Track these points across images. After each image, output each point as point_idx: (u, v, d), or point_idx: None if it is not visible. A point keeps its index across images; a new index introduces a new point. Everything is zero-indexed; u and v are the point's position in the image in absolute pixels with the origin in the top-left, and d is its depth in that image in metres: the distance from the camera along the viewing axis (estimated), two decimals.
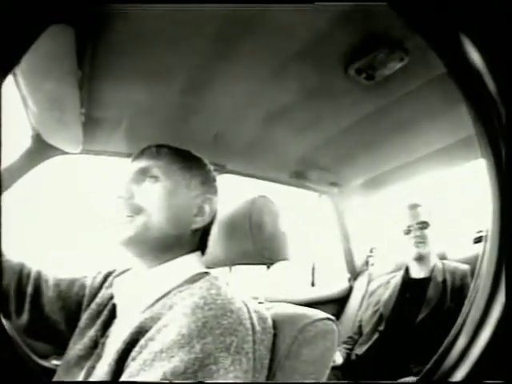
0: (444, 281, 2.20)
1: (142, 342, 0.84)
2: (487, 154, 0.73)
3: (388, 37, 1.30)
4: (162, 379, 0.75)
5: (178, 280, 0.98)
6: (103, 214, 1.07)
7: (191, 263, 1.04)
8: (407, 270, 2.40)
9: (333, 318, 1.13)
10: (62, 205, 2.15)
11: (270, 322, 1.06)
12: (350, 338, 2.41)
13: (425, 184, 2.68)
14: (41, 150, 1.59)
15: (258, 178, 2.19)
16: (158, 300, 0.95)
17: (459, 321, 0.80)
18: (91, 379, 0.92)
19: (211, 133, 1.73)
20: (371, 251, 2.96)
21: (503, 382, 0.68)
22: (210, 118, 1.68)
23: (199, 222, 1.05)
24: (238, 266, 1.25)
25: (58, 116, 1.37)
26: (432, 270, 2.27)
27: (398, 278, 2.43)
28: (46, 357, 1.70)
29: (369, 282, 2.75)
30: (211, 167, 1.15)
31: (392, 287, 2.40)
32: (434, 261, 2.31)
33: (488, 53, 0.68)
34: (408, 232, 2.30)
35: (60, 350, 1.13)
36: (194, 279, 0.98)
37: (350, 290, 2.86)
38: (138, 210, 0.99)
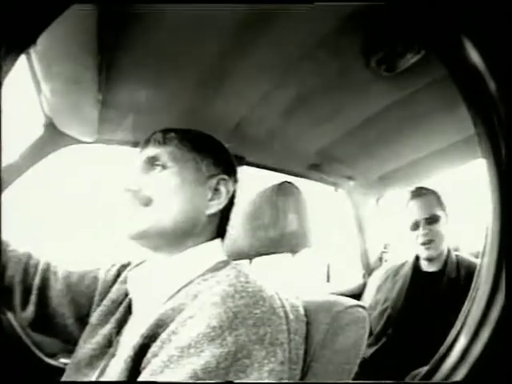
0: (458, 277, 1.97)
1: (163, 335, 0.78)
2: (487, 154, 0.74)
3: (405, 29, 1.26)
4: (191, 377, 0.68)
5: (200, 269, 0.92)
6: (114, 206, 1.01)
7: (212, 251, 0.98)
8: (417, 261, 2.17)
9: (364, 305, 1.09)
10: (73, 195, 2.12)
11: (302, 310, 1.02)
12: None
13: (441, 180, 2.59)
14: (54, 138, 1.54)
15: (275, 170, 2.14)
16: (179, 290, 0.89)
17: (459, 321, 0.81)
18: (104, 379, 0.87)
19: (232, 123, 1.69)
20: (385, 247, 2.90)
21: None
22: (231, 108, 1.64)
23: (215, 206, 0.99)
24: (259, 259, 1.19)
25: (74, 101, 1.32)
26: (445, 264, 2.04)
27: (407, 268, 2.19)
28: (53, 355, 1.63)
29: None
30: (226, 146, 1.09)
31: (401, 282, 2.17)
32: (446, 253, 2.06)
33: (488, 54, 0.67)
34: (415, 228, 2.08)
35: (67, 345, 1.09)
36: (217, 267, 0.92)
37: (364, 286, 2.80)
38: (147, 202, 0.93)
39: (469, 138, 1.99)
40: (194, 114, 1.59)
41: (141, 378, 0.75)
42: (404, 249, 2.73)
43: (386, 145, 2.17)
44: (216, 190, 1.00)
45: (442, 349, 0.81)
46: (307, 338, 0.99)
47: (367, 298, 2.68)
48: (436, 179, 2.58)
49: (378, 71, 1.46)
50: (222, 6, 1.10)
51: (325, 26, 1.23)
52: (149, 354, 0.77)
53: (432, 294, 2.02)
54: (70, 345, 1.07)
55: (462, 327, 0.77)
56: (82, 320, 1.07)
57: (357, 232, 2.81)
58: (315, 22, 1.21)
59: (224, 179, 1.01)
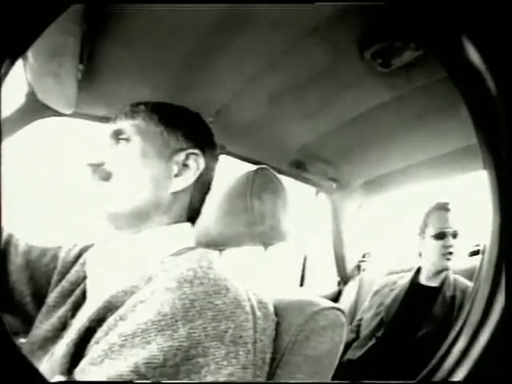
0: (453, 297, 2.02)
1: (110, 320, 0.70)
2: (487, 157, 0.70)
3: (405, 25, 1.22)
4: (132, 371, 0.59)
5: (162, 253, 0.85)
6: (78, 182, 0.96)
7: (178, 235, 0.91)
8: (417, 274, 2.22)
9: (342, 308, 0.98)
10: (45, 168, 2.09)
11: (271, 308, 0.88)
12: None
13: (430, 190, 2.60)
14: (33, 108, 1.49)
15: (256, 163, 2.05)
16: (133, 273, 0.81)
17: (459, 321, 0.76)
18: (50, 363, 0.78)
19: (212, 110, 1.64)
20: (364, 256, 2.88)
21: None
22: (212, 94, 1.60)
23: (180, 183, 0.91)
24: (229, 250, 1.12)
25: (55, 69, 1.28)
26: (443, 282, 2.10)
27: (405, 280, 2.25)
28: (16, 334, 1.57)
29: (360, 288, 2.66)
30: (205, 120, 1.03)
31: (398, 290, 2.22)
32: (446, 272, 2.13)
33: (488, 54, 0.65)
34: (441, 237, 2.10)
35: (26, 325, 1.03)
36: (180, 252, 0.85)
37: (338, 295, 2.78)
38: (106, 177, 0.88)
39: (465, 148, 1.99)
40: (174, 97, 1.53)
41: (80, 367, 0.67)
42: (385, 259, 2.74)
43: (375, 147, 2.15)
44: (184, 166, 0.93)
45: (442, 349, 0.77)
46: (275, 340, 0.86)
47: (342, 307, 2.66)
48: (425, 189, 2.59)
49: (373, 65, 1.42)
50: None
51: (318, 14, 1.20)
52: (93, 340, 0.70)
53: (426, 307, 2.05)
54: (28, 325, 1.00)
55: (462, 327, 0.74)
56: (40, 299, 1.00)
57: (335, 238, 2.78)
58: (311, 8, 1.17)
59: (195, 153, 0.94)
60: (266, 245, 1.06)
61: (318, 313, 0.93)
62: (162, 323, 0.63)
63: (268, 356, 0.82)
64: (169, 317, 0.64)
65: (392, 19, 1.22)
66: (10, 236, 1.08)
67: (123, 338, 0.63)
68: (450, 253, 2.08)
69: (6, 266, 1.04)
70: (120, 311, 0.70)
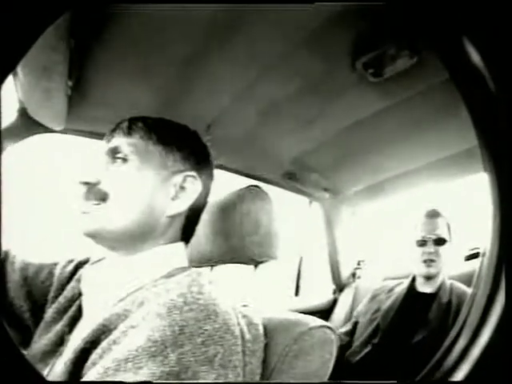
0: (449, 302, 2.03)
1: (104, 343, 0.71)
2: (487, 158, 0.72)
3: (398, 32, 1.25)
4: None
5: (155, 273, 0.85)
6: (73, 200, 0.92)
7: (171, 255, 0.90)
8: (413, 281, 2.22)
9: (331, 326, 0.99)
10: (36, 185, 2.08)
11: (261, 329, 0.91)
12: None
13: (423, 196, 2.61)
14: (24, 124, 1.49)
15: (249, 176, 2.08)
16: (128, 295, 0.81)
17: (459, 321, 0.79)
18: (50, 378, 0.80)
19: (203, 123, 1.63)
20: (359, 264, 2.88)
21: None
22: (203, 107, 1.59)
23: (177, 207, 0.90)
24: (221, 267, 1.11)
25: (45, 85, 1.28)
26: (439, 288, 2.11)
27: (402, 286, 2.26)
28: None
29: (355, 295, 2.66)
30: (203, 140, 1.02)
31: (395, 296, 2.23)
32: (442, 277, 2.14)
33: (489, 55, 0.66)
34: (422, 244, 2.12)
35: (27, 339, 1.03)
36: (173, 274, 0.84)
37: (334, 303, 2.78)
38: (103, 198, 0.86)
39: (460, 153, 2.01)
40: (165, 111, 1.52)
41: None
42: (380, 266, 2.74)
43: (368, 156, 2.15)
44: (181, 188, 0.91)
45: (442, 349, 0.79)
46: (264, 361, 0.88)
47: (338, 315, 2.67)
48: (419, 195, 2.60)
49: (364, 75, 1.42)
50: (197, 6, 1.08)
51: (308, 24, 1.20)
52: (89, 362, 0.71)
53: (422, 313, 2.06)
54: (27, 336, 1.01)
55: (461, 327, 0.76)
56: (39, 315, 1.00)
57: (329, 246, 2.78)
58: (300, 20, 1.17)
59: (192, 176, 0.92)
60: (256, 263, 1.06)
61: (307, 332, 0.94)
62: (153, 349, 0.64)
63: (257, 378, 0.84)
64: (159, 343, 0.65)
65: (385, 27, 1.23)
66: (7, 253, 1.08)
67: (117, 363, 0.64)
68: (431, 260, 2.10)
69: (4, 283, 1.05)
70: (113, 335, 0.71)
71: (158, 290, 0.78)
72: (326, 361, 0.94)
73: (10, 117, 1.47)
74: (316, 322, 0.97)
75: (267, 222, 1.05)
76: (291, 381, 0.89)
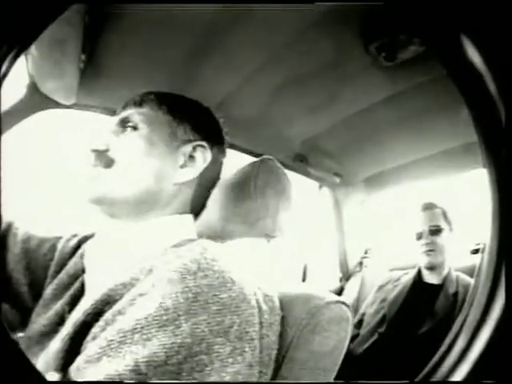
0: (456, 294, 2.03)
1: (107, 314, 0.66)
2: (487, 155, 0.71)
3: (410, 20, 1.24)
4: (131, 370, 0.56)
5: (163, 244, 0.82)
6: (82, 168, 0.92)
7: (179, 226, 0.88)
8: (420, 271, 2.23)
9: (347, 302, 0.95)
10: (46, 159, 2.08)
11: (277, 301, 0.86)
12: None
13: (433, 186, 2.60)
14: (34, 99, 1.48)
15: (259, 156, 2.04)
16: (134, 264, 0.77)
17: (459, 321, 0.76)
18: (45, 359, 0.74)
19: (214, 102, 1.62)
20: (366, 252, 2.87)
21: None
22: (214, 85, 1.58)
23: (185, 175, 0.89)
24: (231, 243, 1.09)
25: (57, 58, 1.27)
26: (445, 279, 2.12)
27: (409, 276, 2.26)
28: (14, 329, 1.54)
29: (362, 284, 2.66)
30: (214, 113, 1.00)
31: (401, 286, 2.24)
32: (447, 269, 2.14)
33: (488, 53, 0.65)
34: (419, 237, 2.16)
35: (24, 315, 1.00)
36: (181, 243, 0.81)
37: (340, 291, 2.76)
38: (109, 164, 0.85)
39: (466, 146, 1.98)
40: (176, 89, 1.51)
41: (75, 364, 0.64)
42: (388, 255, 2.73)
43: (379, 142, 2.14)
44: (191, 157, 0.90)
45: (442, 349, 0.77)
46: (281, 335, 0.83)
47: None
48: (426, 186, 2.60)
49: (377, 59, 1.41)
50: None
51: (323, 5, 1.18)
52: (89, 336, 0.66)
53: (428, 304, 2.06)
54: (25, 315, 0.98)
55: (461, 327, 0.74)
56: (37, 290, 0.98)
57: (337, 233, 2.77)
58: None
59: (202, 146, 0.91)
60: (268, 237, 1.05)
61: (324, 306, 0.90)
62: (164, 318, 0.60)
63: (274, 352, 0.79)
64: (171, 311, 0.61)
65: (397, 13, 1.21)
66: (10, 224, 1.06)
67: (122, 335, 0.60)
68: (430, 250, 2.13)
69: (4, 254, 1.02)
70: (118, 305, 0.67)
71: (169, 257, 0.74)
72: (341, 339, 0.91)
73: (19, 92, 1.46)
74: (332, 297, 0.94)
75: (281, 196, 1.04)
76: (308, 357, 0.86)
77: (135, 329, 0.60)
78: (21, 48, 0.66)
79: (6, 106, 1.44)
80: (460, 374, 0.70)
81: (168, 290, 0.63)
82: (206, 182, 0.96)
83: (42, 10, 0.63)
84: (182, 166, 0.90)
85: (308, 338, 0.87)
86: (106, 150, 0.87)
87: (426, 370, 0.78)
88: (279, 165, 1.09)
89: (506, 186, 0.68)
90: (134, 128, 0.89)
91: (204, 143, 0.92)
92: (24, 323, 0.97)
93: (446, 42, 0.69)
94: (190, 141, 0.92)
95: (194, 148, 0.91)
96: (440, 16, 0.66)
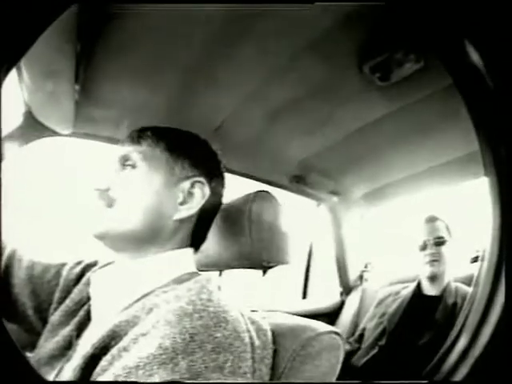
0: (455, 304, 2.05)
1: (114, 350, 0.70)
2: (487, 155, 0.73)
3: (405, 37, 1.24)
4: None
5: (164, 278, 0.85)
6: (84, 203, 0.96)
7: (180, 260, 0.90)
8: (419, 284, 2.25)
9: (339, 331, 0.99)
10: (45, 188, 2.09)
11: (269, 335, 0.91)
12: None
13: (429, 199, 2.61)
14: (31, 128, 1.48)
15: (256, 179, 2.08)
16: (137, 300, 0.82)
17: (459, 321, 0.79)
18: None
19: (211, 127, 1.64)
20: (366, 266, 2.87)
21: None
22: (211, 111, 1.59)
23: (185, 211, 0.91)
24: (229, 271, 1.11)
25: (51, 89, 1.28)
26: (444, 290, 2.14)
27: (408, 290, 2.29)
28: (23, 348, 1.54)
29: (362, 298, 2.67)
30: (213, 147, 1.02)
31: (401, 299, 2.26)
32: (447, 280, 2.17)
33: (490, 57, 0.66)
34: (424, 248, 2.17)
35: (30, 335, 1.05)
36: (182, 279, 0.84)
37: (341, 305, 2.77)
38: (110, 203, 0.87)
39: (462, 157, 2.00)
40: (174, 114, 1.55)
41: None
42: (387, 269, 2.73)
43: (375, 160, 2.16)
44: (190, 194, 0.92)
45: (442, 349, 0.80)
46: (273, 367, 0.88)
47: (345, 317, 2.66)
48: (424, 198, 2.61)
49: (372, 79, 1.42)
50: (206, 6, 1.08)
51: (317, 27, 1.19)
52: (99, 368, 0.70)
53: (428, 315, 2.08)
54: (32, 335, 1.03)
55: (462, 327, 0.77)
56: (42, 314, 1.03)
57: (337, 249, 2.77)
58: (307, 22, 1.17)
59: (200, 182, 0.93)
60: (265, 268, 1.05)
61: (315, 338, 0.94)
62: (164, 357, 0.64)
63: None
64: (170, 351, 0.65)
65: (391, 30, 1.22)
66: (14, 251, 1.10)
67: (127, 370, 0.64)
68: (434, 260, 2.15)
69: (9, 279, 1.06)
70: (124, 342, 0.71)
71: (168, 296, 0.78)
72: (332, 365, 0.94)
73: (16, 120, 1.46)
74: (324, 327, 0.97)
75: (276, 226, 1.05)
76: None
77: (138, 366, 0.64)
78: (11, 63, 0.68)
79: (3, 134, 1.44)
80: (460, 373, 0.73)
81: (167, 331, 0.67)
82: (206, 215, 0.97)
83: (30, 24, 0.65)
84: (181, 203, 0.91)
85: (299, 368, 0.90)
86: (108, 189, 0.89)
87: (427, 370, 0.82)
88: (273, 197, 1.08)
89: (507, 191, 0.69)
90: (133, 166, 0.90)
91: (202, 179, 0.93)
92: (31, 345, 1.00)
93: (449, 47, 0.71)
94: (188, 177, 0.93)
95: (193, 184, 0.93)
96: (442, 19, 0.68)
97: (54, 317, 0.97)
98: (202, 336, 0.68)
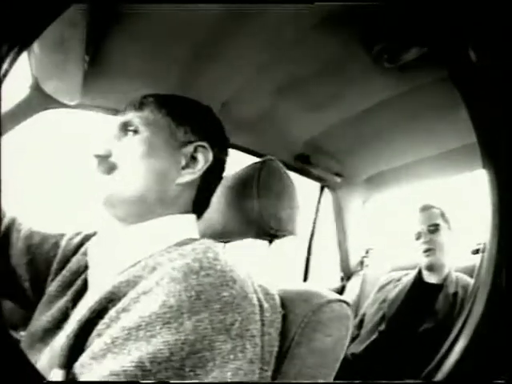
0: (455, 294, 2.04)
1: (112, 312, 0.67)
2: (486, 156, 0.72)
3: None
4: (136, 367, 0.57)
5: (164, 242, 0.83)
6: (84, 171, 0.94)
7: (181, 225, 0.89)
8: (420, 271, 2.23)
9: (348, 300, 0.95)
10: (50, 158, 2.09)
11: (278, 299, 0.86)
12: None
13: (434, 186, 2.60)
14: (37, 99, 1.49)
15: (260, 156, 2.04)
16: (138, 262, 0.79)
17: (459, 321, 0.76)
18: (49, 356, 0.78)
19: (217, 102, 1.62)
20: (367, 252, 2.87)
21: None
22: (218, 85, 1.59)
23: (187, 176, 0.89)
24: (233, 244, 1.10)
25: (61, 59, 1.27)
26: (445, 279, 2.12)
27: (410, 277, 2.27)
28: (15, 327, 1.51)
29: (363, 284, 2.67)
30: (215, 113, 1.01)
31: (401, 286, 2.25)
32: (448, 269, 2.15)
33: (489, 55, 0.66)
34: (418, 237, 2.18)
35: (26, 311, 1.03)
36: (184, 243, 0.81)
37: (341, 290, 2.76)
38: (111, 168, 0.86)
39: (467, 146, 1.98)
40: (180, 89, 1.51)
41: (80, 361, 0.65)
42: (388, 255, 2.73)
43: (381, 142, 2.15)
44: (192, 158, 0.91)
45: (442, 349, 0.77)
46: (282, 332, 0.83)
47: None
48: (427, 186, 2.59)
49: (380, 60, 1.42)
50: None
51: (327, 7, 1.19)
52: (94, 333, 0.67)
53: (428, 303, 2.08)
54: (27, 310, 1.00)
55: (462, 327, 0.74)
56: (39, 286, 1.00)
57: (338, 233, 2.77)
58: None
59: (203, 146, 0.91)
60: (271, 238, 1.04)
61: (325, 305, 0.89)
62: (168, 316, 0.61)
63: (275, 350, 0.79)
64: (174, 309, 0.62)
65: (399, 16, 1.22)
66: (13, 220, 1.08)
67: (127, 332, 0.61)
68: (429, 249, 2.14)
69: (7, 249, 1.04)
70: (122, 302, 0.68)
71: (172, 255, 0.75)
72: (342, 336, 0.91)
73: (22, 92, 1.47)
74: (333, 295, 0.94)
75: (285, 194, 1.04)
76: (309, 354, 0.86)
77: (139, 326, 0.61)
78: (22, 46, 0.67)
79: (9, 105, 1.44)
80: (460, 374, 0.71)
81: (171, 288, 0.64)
82: (209, 182, 0.96)
83: (43, 8, 0.63)
84: (183, 167, 0.90)
85: (309, 336, 0.87)
86: (108, 156, 0.88)
87: (427, 369, 0.78)
88: (281, 165, 1.07)
89: (506, 186, 0.68)
90: (135, 132, 0.89)
91: (205, 143, 0.92)
92: (26, 320, 0.98)
93: (449, 45, 0.70)
94: (190, 142, 0.92)
95: (195, 149, 0.91)
96: (442, 17, 0.67)
97: (51, 288, 0.95)
98: (208, 294, 0.64)
